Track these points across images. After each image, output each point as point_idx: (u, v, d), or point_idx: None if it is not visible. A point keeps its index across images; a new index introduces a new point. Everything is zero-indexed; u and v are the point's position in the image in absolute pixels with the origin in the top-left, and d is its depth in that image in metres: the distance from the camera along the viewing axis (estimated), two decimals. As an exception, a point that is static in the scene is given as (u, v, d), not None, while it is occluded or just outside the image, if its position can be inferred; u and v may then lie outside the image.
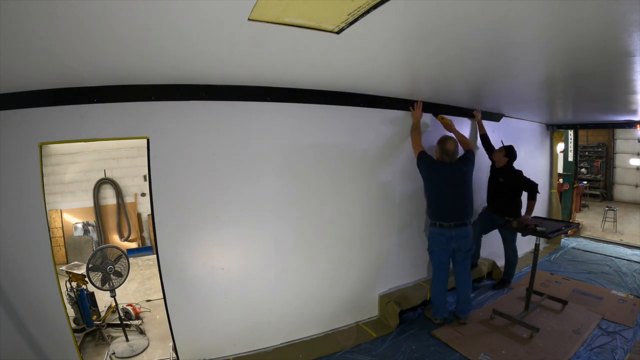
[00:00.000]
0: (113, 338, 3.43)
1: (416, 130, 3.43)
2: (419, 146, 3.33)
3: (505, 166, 3.94)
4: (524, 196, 3.88)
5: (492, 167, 4.15)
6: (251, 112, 2.73)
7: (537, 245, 3.37)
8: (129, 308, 3.88)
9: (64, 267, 3.59)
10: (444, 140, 3.25)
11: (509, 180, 3.86)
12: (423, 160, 3.24)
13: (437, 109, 3.81)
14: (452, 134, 3.56)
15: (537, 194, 3.74)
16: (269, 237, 2.93)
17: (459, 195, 3.17)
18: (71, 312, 3.10)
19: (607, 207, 7.91)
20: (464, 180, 3.21)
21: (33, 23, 1.25)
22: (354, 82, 2.71)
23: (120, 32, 1.42)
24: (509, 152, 3.92)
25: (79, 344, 3.03)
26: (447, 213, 3.13)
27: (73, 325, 3.26)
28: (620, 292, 4.00)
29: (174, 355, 2.75)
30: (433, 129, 3.82)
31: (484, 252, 4.76)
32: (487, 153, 4.21)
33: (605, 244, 6.06)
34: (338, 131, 3.16)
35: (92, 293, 3.58)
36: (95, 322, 3.42)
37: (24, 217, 2.26)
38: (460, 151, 3.37)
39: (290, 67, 2.17)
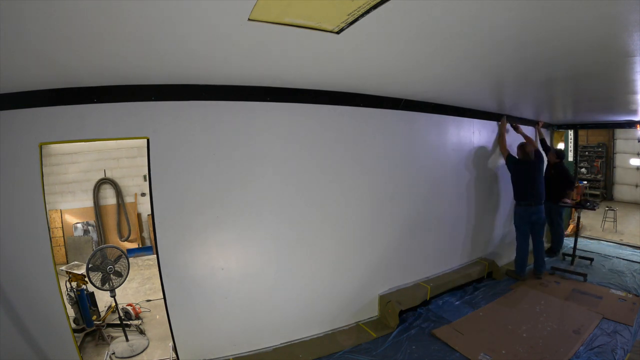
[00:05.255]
0: (113, 338, 3.43)
1: (502, 138, 4.66)
2: (506, 150, 4.56)
3: (557, 163, 5.15)
4: None
5: (547, 164, 5.12)
6: (251, 112, 2.73)
7: (578, 218, 5.11)
8: (129, 308, 3.88)
9: (64, 267, 3.59)
10: (523, 145, 4.48)
11: (559, 174, 5.09)
12: (511, 160, 4.47)
13: (444, 109, 3.88)
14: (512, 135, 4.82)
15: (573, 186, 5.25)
16: (269, 237, 2.93)
17: (535, 184, 4.34)
18: (71, 312, 3.10)
19: (607, 207, 7.90)
20: (539, 173, 4.41)
21: (34, 24, 1.25)
22: (355, 82, 2.71)
23: (121, 32, 1.42)
24: (560, 154, 5.26)
25: (79, 344, 3.03)
26: (528, 196, 4.33)
27: (73, 325, 3.26)
28: (619, 291, 4.00)
29: (174, 355, 2.75)
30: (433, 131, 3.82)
31: (483, 252, 4.77)
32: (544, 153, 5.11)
33: (605, 244, 6.06)
34: (338, 131, 3.16)
35: (92, 293, 3.58)
36: (95, 322, 3.42)
37: (24, 217, 2.26)
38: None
39: (290, 67, 2.17)
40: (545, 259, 4.69)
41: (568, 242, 5.71)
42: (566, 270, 4.61)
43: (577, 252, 5.10)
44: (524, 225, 4.43)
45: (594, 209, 4.97)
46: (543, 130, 6.03)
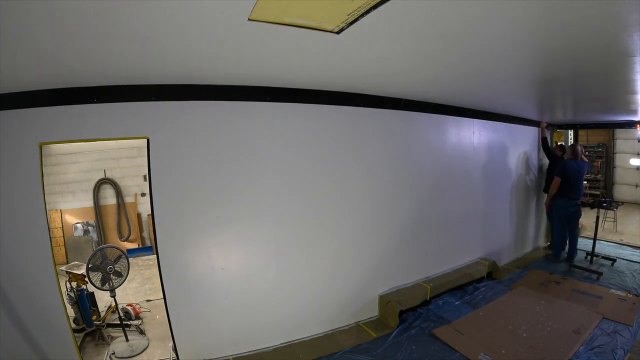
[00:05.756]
0: (113, 338, 3.43)
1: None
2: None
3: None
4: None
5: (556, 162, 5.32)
6: (251, 112, 2.73)
7: (597, 217, 5.10)
8: (129, 308, 3.88)
9: (64, 267, 3.59)
10: (573, 146, 5.03)
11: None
12: (560, 162, 5.08)
13: (444, 109, 3.89)
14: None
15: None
16: (269, 237, 2.93)
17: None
18: (71, 312, 3.10)
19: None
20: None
21: (34, 24, 1.25)
22: (355, 82, 2.71)
23: (121, 32, 1.42)
24: (563, 149, 5.46)
25: (79, 344, 3.03)
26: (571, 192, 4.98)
27: (73, 325, 3.26)
28: (619, 291, 4.00)
29: (174, 355, 2.75)
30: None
31: (483, 252, 4.77)
32: (545, 152, 5.53)
33: (605, 244, 6.05)
34: (338, 131, 3.17)
35: (92, 293, 3.58)
36: (95, 322, 3.42)
37: (24, 217, 2.26)
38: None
39: (290, 67, 2.17)
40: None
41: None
42: (584, 269, 4.73)
43: (598, 253, 5.13)
44: (564, 216, 5.12)
45: (611, 209, 5.07)
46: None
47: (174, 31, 1.46)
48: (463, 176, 4.37)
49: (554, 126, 6.27)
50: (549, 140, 5.74)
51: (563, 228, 5.17)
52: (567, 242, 5.20)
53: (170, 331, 2.66)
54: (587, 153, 11.19)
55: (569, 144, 5.15)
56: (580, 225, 6.87)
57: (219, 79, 2.38)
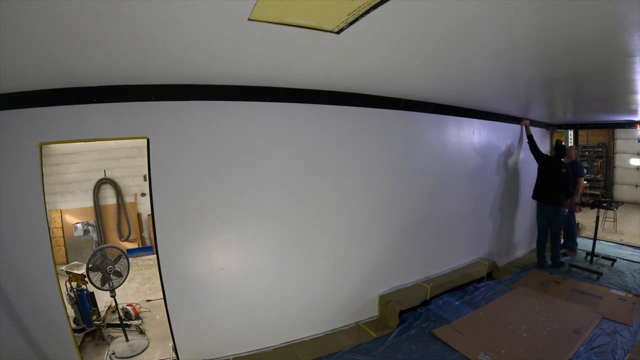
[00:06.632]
0: (113, 338, 3.43)
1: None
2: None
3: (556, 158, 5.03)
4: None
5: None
6: (251, 112, 2.73)
7: (597, 217, 5.03)
8: (129, 308, 3.88)
9: (64, 267, 3.59)
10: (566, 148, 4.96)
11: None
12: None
13: (444, 109, 3.88)
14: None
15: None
16: (269, 237, 2.93)
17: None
18: (71, 312, 3.10)
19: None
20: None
21: (34, 24, 1.25)
22: (355, 82, 2.71)
23: (121, 32, 1.42)
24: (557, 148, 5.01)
25: (79, 344, 3.03)
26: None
27: (73, 325, 3.26)
28: (619, 291, 4.00)
29: (174, 355, 2.75)
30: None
31: (483, 252, 4.77)
32: (533, 152, 4.94)
33: (605, 244, 6.05)
34: (338, 131, 3.16)
35: (92, 293, 3.58)
36: (95, 322, 3.42)
37: (24, 217, 2.26)
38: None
39: (291, 67, 2.17)
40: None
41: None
42: (584, 269, 4.70)
43: (598, 253, 5.10)
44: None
45: (611, 209, 5.03)
46: (543, 131, 6.05)
47: (175, 31, 1.46)
48: (463, 176, 4.37)
49: (554, 126, 6.27)
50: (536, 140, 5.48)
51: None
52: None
53: (170, 331, 2.66)
54: (586, 153, 11.24)
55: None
56: (581, 226, 6.89)
57: (219, 79, 2.38)
